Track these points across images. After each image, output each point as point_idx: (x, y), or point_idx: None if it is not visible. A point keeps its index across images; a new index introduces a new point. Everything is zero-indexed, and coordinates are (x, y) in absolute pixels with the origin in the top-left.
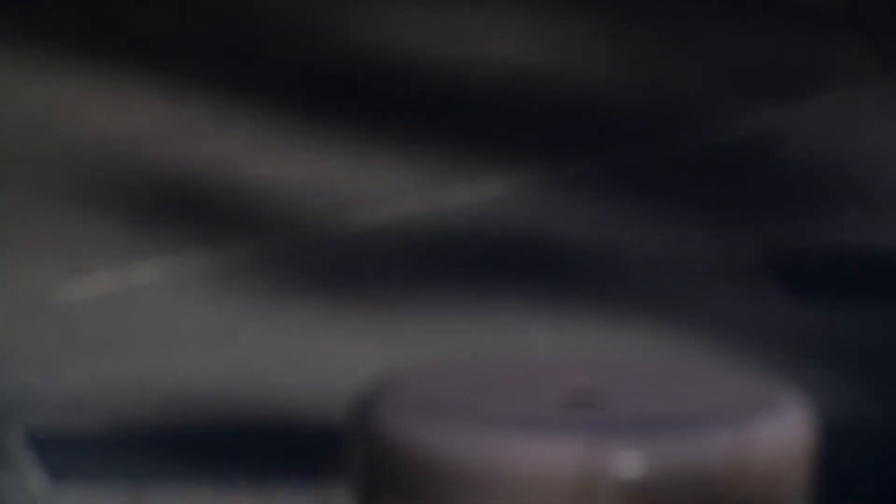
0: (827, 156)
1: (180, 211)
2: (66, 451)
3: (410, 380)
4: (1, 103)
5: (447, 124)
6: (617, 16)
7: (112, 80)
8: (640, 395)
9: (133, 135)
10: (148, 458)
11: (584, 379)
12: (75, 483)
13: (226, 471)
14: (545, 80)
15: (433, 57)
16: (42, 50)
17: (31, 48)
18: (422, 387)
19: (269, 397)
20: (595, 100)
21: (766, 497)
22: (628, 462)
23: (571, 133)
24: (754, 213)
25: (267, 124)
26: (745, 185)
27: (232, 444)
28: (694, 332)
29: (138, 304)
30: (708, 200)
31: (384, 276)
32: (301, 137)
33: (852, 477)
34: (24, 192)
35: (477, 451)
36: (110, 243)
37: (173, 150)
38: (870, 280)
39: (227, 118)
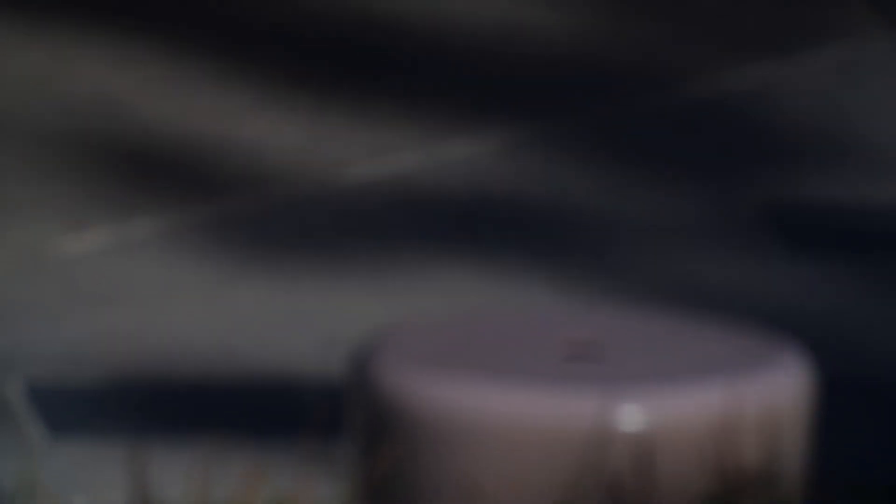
0: (825, 111)
1: (178, 166)
2: (65, 404)
3: (409, 333)
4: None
5: (443, 81)
6: None
7: (109, 37)
8: (639, 349)
9: (131, 91)
10: (146, 411)
11: (583, 333)
12: (74, 435)
13: (224, 423)
14: (540, 37)
15: (429, 14)
16: (40, 8)
17: (29, 6)
18: (421, 340)
19: (267, 350)
20: (590, 55)
21: (765, 449)
22: (629, 415)
23: (568, 89)
24: (752, 169)
25: (265, 80)
26: (743, 140)
27: (230, 396)
28: (692, 286)
29: (137, 258)
30: (706, 155)
31: (382, 231)
32: (299, 93)
33: (852, 429)
34: (22, 147)
35: (476, 404)
36: (109, 198)
37: (171, 106)
38: (867, 234)
39: (225, 74)
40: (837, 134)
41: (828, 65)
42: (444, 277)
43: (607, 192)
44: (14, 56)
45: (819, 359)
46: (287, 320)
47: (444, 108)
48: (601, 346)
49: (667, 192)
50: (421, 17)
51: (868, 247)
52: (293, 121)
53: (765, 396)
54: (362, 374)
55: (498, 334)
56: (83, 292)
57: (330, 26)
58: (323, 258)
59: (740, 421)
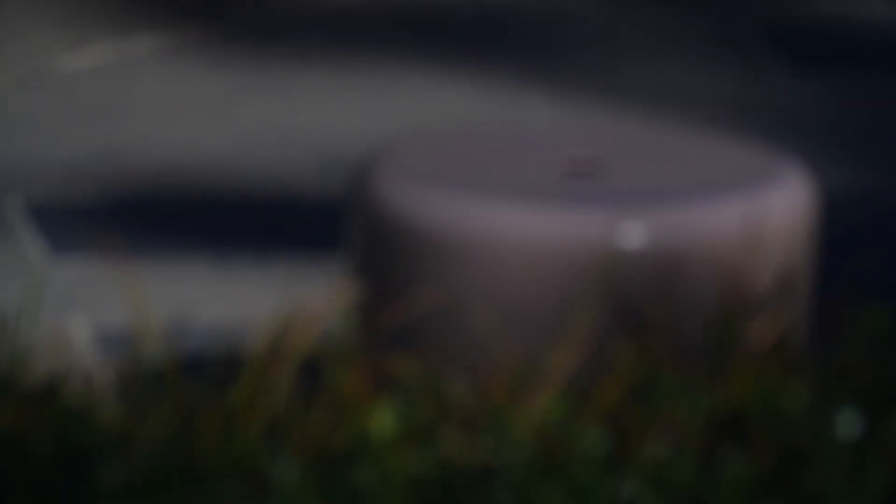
0: None
1: None
2: (66, 222)
3: (409, 150)
4: None
5: None
6: None
7: None
8: (640, 166)
9: None
10: (146, 229)
11: (583, 149)
12: (74, 253)
13: (224, 241)
14: None
15: None
16: None
17: None
18: (420, 157)
19: (268, 167)
20: None
21: (769, 266)
22: (629, 233)
23: None
24: None
25: None
26: None
27: (231, 214)
28: (694, 104)
29: (137, 74)
30: None
31: (383, 49)
32: None
33: (852, 244)
34: None
35: (475, 220)
36: (109, 14)
37: None
38: (870, 52)
39: None
40: None
41: None
42: (444, 95)
43: (609, 10)
44: None
45: (821, 175)
46: (288, 136)
47: None
48: (602, 162)
49: (668, 9)
50: None
51: (869, 62)
52: None
53: (768, 212)
54: (362, 192)
55: (498, 151)
56: (83, 109)
57: None
58: (323, 74)
59: (744, 237)
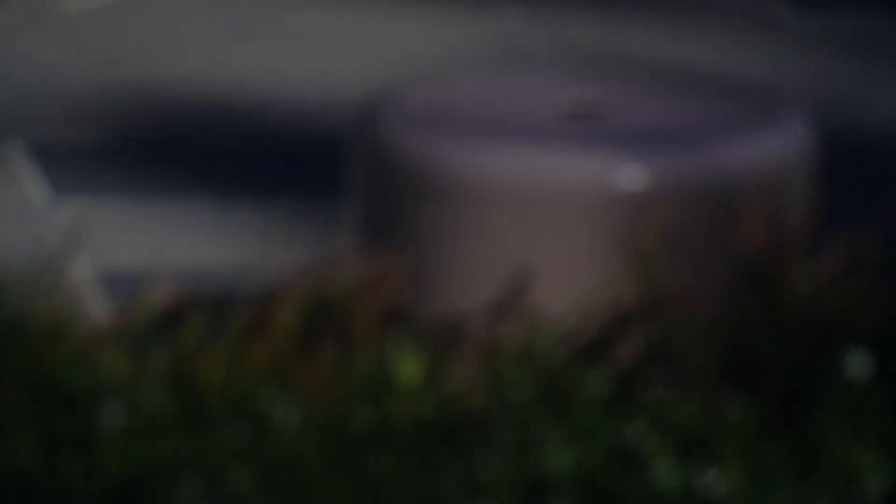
0: None
1: None
2: (68, 163)
3: (412, 93)
4: None
5: None
6: None
7: None
8: (641, 109)
9: None
10: (149, 170)
11: (586, 91)
12: (76, 195)
13: (225, 183)
14: None
15: None
16: None
17: None
18: (424, 100)
19: (269, 109)
20: None
21: (769, 210)
22: (632, 174)
23: None
24: None
25: None
26: None
27: (232, 156)
28: (696, 45)
29: (141, 13)
30: None
31: None
32: None
33: (852, 189)
34: None
35: (478, 163)
36: None
37: None
38: None
39: None
40: None
41: None
42: (445, 36)
43: None
44: None
45: (820, 117)
46: (292, 77)
47: None
48: (605, 104)
49: None
50: None
51: (874, 5)
52: None
53: (769, 155)
54: (365, 136)
55: (501, 94)
56: (85, 50)
57: None
58: (328, 14)
59: (745, 180)
